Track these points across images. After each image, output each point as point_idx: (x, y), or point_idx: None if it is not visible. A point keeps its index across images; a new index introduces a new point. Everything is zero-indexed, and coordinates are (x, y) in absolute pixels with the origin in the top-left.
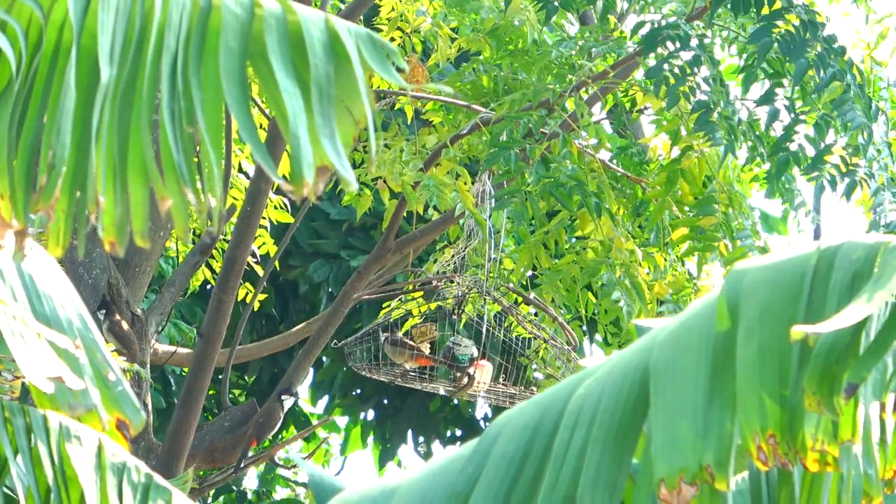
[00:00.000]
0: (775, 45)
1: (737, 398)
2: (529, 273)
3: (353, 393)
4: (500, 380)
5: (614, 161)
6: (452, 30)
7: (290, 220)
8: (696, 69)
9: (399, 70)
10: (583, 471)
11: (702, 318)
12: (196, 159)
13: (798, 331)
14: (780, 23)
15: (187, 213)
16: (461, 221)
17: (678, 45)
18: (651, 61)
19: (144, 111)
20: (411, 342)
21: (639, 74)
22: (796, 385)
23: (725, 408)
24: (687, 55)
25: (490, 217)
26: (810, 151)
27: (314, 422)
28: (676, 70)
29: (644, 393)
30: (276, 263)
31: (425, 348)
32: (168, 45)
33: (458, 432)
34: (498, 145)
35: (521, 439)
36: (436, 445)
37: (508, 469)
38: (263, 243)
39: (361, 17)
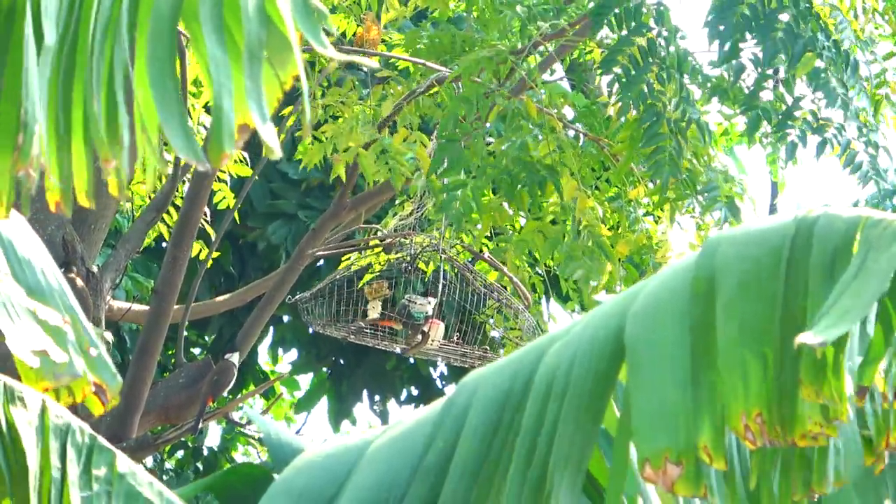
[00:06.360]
0: (742, 17)
1: (721, 377)
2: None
3: (310, 352)
4: (454, 338)
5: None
6: None
7: (249, 172)
8: (650, 59)
9: (328, 34)
10: (553, 448)
11: (676, 290)
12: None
13: (801, 341)
14: None
15: (127, 170)
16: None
17: (633, 24)
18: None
19: (87, 71)
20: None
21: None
22: (781, 364)
23: (712, 386)
24: (641, 38)
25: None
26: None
27: (272, 378)
28: (627, 62)
29: (614, 365)
30: (237, 218)
31: (377, 306)
32: (103, 3)
33: (415, 391)
34: (447, 137)
35: (491, 411)
36: (391, 404)
37: (481, 445)
38: (224, 198)
39: None
